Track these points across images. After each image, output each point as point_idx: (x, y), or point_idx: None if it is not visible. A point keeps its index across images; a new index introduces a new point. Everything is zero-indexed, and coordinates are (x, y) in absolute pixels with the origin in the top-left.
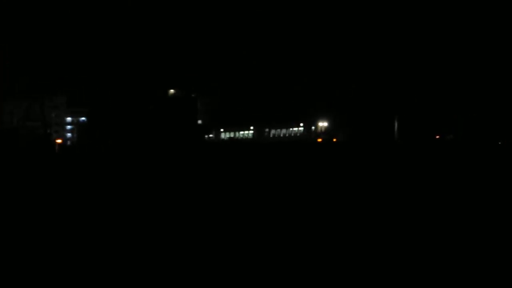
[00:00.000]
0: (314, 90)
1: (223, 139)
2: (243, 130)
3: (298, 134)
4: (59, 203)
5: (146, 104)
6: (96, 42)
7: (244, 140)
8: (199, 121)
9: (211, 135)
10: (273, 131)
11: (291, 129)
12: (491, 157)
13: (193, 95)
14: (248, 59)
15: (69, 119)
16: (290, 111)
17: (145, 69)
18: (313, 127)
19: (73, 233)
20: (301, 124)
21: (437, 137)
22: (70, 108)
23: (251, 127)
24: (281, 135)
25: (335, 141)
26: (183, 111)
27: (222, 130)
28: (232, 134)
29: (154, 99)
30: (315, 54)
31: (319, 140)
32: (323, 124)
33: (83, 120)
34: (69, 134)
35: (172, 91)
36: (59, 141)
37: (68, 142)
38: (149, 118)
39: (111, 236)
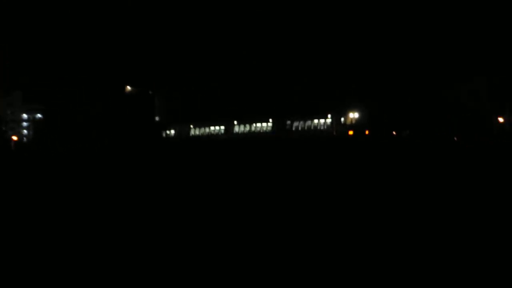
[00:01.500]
0: (344, 75)
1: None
2: (259, 122)
3: (324, 127)
4: (14, 200)
5: (102, 101)
6: (53, 39)
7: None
8: (157, 118)
9: (221, 129)
10: (295, 123)
11: (316, 121)
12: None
13: (150, 92)
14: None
15: (25, 116)
16: (315, 100)
17: (102, 65)
18: (342, 119)
19: (27, 232)
20: (328, 116)
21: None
22: (26, 105)
23: (270, 119)
24: (305, 128)
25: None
26: (140, 108)
27: (235, 122)
28: (247, 127)
29: (110, 95)
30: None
31: (350, 133)
32: (353, 115)
33: (39, 117)
34: (25, 131)
35: (128, 88)
36: (14, 138)
37: (24, 139)
38: (104, 115)
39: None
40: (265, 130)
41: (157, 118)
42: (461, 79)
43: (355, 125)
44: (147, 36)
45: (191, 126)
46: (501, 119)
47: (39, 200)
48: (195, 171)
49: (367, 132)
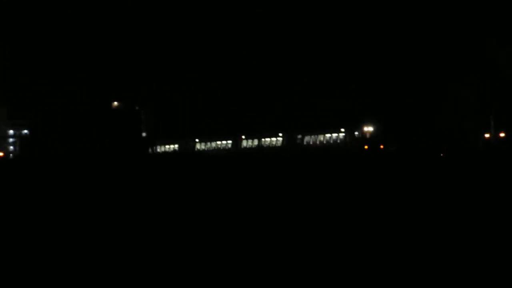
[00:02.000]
0: (358, 86)
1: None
2: (268, 137)
3: (338, 141)
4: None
5: (88, 116)
6: (38, 54)
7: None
8: (144, 134)
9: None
10: (307, 138)
11: (328, 135)
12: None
13: (137, 108)
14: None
15: (11, 131)
16: (327, 113)
17: (89, 81)
18: (356, 132)
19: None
20: (342, 130)
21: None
22: (12, 120)
23: (280, 134)
24: (317, 142)
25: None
26: (127, 123)
27: (243, 137)
28: (255, 142)
29: (96, 111)
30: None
31: (366, 147)
32: (368, 128)
33: (25, 133)
34: (11, 147)
35: (115, 103)
36: (0, 154)
37: (11, 155)
38: (92, 130)
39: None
40: (275, 145)
41: (144, 134)
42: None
43: (370, 139)
44: (136, 50)
45: (196, 140)
46: (487, 135)
47: (25, 211)
48: (200, 187)
49: (381, 146)
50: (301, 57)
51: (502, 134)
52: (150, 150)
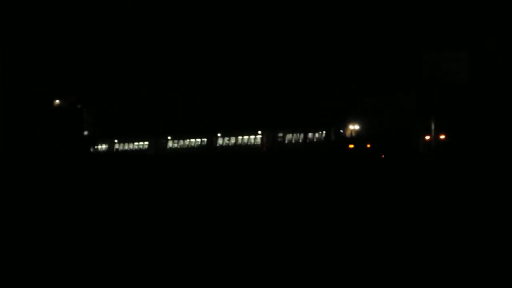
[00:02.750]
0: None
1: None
2: (246, 135)
3: (321, 140)
4: None
5: (30, 114)
6: None
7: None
8: (85, 132)
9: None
10: (288, 136)
11: (310, 134)
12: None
13: (79, 106)
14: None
15: None
16: (309, 110)
17: (30, 78)
18: (341, 131)
19: None
20: (326, 128)
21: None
22: None
23: (259, 132)
24: (299, 141)
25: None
26: (68, 122)
27: (219, 135)
28: (232, 140)
29: (38, 109)
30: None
31: (351, 146)
32: (354, 127)
33: None
34: None
35: (57, 101)
36: None
37: None
38: (33, 128)
39: None
40: (253, 143)
41: (86, 133)
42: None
43: (356, 138)
44: (80, 46)
45: (168, 138)
46: (427, 137)
47: None
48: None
49: (368, 145)
50: (282, 52)
51: (442, 137)
52: (91, 148)
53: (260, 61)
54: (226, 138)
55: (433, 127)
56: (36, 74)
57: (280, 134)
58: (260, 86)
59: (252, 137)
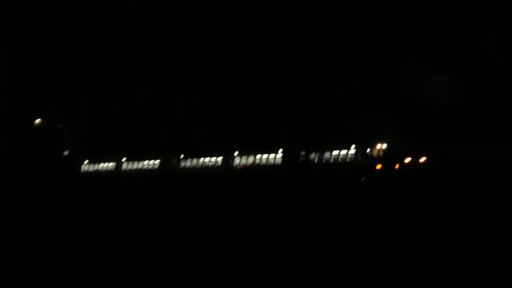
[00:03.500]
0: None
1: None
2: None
3: (347, 160)
4: None
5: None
6: None
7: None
8: (66, 152)
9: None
10: (312, 155)
11: (336, 152)
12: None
13: (59, 126)
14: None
15: None
16: (335, 128)
17: (11, 97)
18: (368, 149)
19: None
20: (353, 146)
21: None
22: None
23: (280, 150)
24: (323, 161)
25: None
26: (48, 141)
27: (237, 153)
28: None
29: (19, 129)
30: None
31: (378, 167)
32: (381, 146)
33: None
34: None
35: (38, 121)
36: None
37: None
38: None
39: None
40: (274, 163)
41: (66, 152)
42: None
43: (384, 157)
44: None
45: (182, 156)
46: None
47: None
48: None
49: (397, 166)
50: (307, 66)
51: (423, 159)
52: (73, 168)
53: (279, 77)
54: (244, 156)
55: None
56: (18, 92)
57: (303, 153)
58: (280, 102)
59: (272, 155)
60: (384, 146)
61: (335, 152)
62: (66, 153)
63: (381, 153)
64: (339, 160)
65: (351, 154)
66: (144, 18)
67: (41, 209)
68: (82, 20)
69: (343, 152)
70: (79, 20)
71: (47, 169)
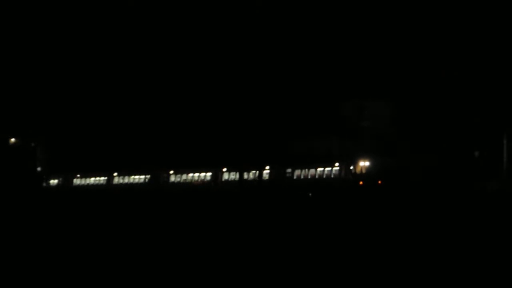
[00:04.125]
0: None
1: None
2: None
3: (331, 176)
4: None
5: None
6: None
7: None
8: (39, 169)
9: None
10: (297, 172)
11: (320, 169)
12: None
13: (32, 144)
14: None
15: None
16: (319, 146)
17: None
18: (351, 167)
19: None
20: (336, 164)
21: None
22: None
23: (267, 167)
24: (309, 177)
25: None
26: (22, 159)
27: (224, 170)
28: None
29: None
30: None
31: (361, 183)
32: (364, 163)
33: None
34: None
35: (13, 140)
36: None
37: None
38: None
39: None
40: (262, 179)
41: (39, 169)
42: None
43: (366, 174)
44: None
45: (171, 172)
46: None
47: None
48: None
49: (379, 182)
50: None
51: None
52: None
53: (264, 91)
54: (232, 173)
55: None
56: None
57: (289, 170)
58: (266, 118)
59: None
60: (366, 163)
61: (320, 169)
62: (39, 169)
63: (363, 171)
64: (324, 176)
65: (335, 171)
66: (117, 40)
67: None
68: (53, 38)
69: (328, 168)
70: (50, 37)
71: (20, 184)
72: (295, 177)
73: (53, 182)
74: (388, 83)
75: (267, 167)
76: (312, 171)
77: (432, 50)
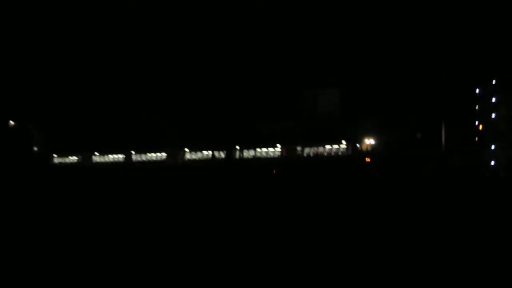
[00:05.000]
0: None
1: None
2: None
3: (339, 153)
4: None
5: None
6: None
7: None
8: (35, 148)
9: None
10: (306, 150)
11: (328, 146)
12: None
13: (29, 126)
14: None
15: None
16: (327, 126)
17: None
18: (357, 145)
19: None
20: (343, 142)
21: None
22: None
23: (277, 145)
24: (318, 154)
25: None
26: (19, 140)
27: (237, 147)
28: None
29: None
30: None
31: (368, 160)
32: (369, 141)
33: None
34: None
35: (12, 122)
36: None
37: None
38: None
39: None
40: (272, 156)
41: (35, 149)
42: None
43: (371, 151)
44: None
45: (186, 149)
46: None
47: None
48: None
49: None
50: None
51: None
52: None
53: (271, 72)
54: (245, 151)
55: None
56: None
57: (299, 148)
58: (277, 99)
59: (271, 149)
60: (372, 141)
61: (328, 147)
62: (35, 149)
63: (369, 148)
64: (332, 153)
65: (343, 148)
66: (115, 24)
67: (17, 202)
68: (51, 25)
69: (335, 146)
70: (48, 25)
71: (20, 163)
72: (305, 155)
73: (70, 159)
74: (340, 73)
75: (278, 145)
76: (321, 148)
77: (381, 42)
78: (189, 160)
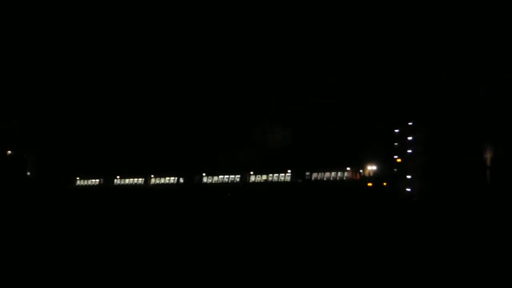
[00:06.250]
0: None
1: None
2: (276, 173)
3: (344, 179)
4: None
5: None
6: None
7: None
8: (28, 173)
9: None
10: (315, 175)
11: (333, 173)
12: None
13: (24, 155)
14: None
15: None
16: (334, 152)
17: None
18: (360, 171)
19: None
20: (347, 168)
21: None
22: None
23: (289, 170)
24: (324, 179)
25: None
26: (16, 167)
27: (252, 172)
28: (263, 178)
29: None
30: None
31: (370, 184)
32: (371, 167)
33: None
34: None
35: (9, 152)
36: None
37: None
38: None
39: None
40: (283, 180)
41: (28, 174)
42: None
43: (373, 177)
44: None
45: (203, 174)
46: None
47: None
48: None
49: (384, 184)
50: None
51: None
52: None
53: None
54: (258, 176)
55: None
56: None
57: (307, 173)
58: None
59: (282, 174)
60: (374, 168)
61: (333, 173)
62: (28, 174)
63: (371, 174)
64: (337, 178)
65: (347, 174)
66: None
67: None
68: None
69: (340, 172)
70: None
71: (14, 187)
72: (312, 179)
73: (91, 182)
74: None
75: (289, 170)
76: (327, 174)
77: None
78: (204, 183)
